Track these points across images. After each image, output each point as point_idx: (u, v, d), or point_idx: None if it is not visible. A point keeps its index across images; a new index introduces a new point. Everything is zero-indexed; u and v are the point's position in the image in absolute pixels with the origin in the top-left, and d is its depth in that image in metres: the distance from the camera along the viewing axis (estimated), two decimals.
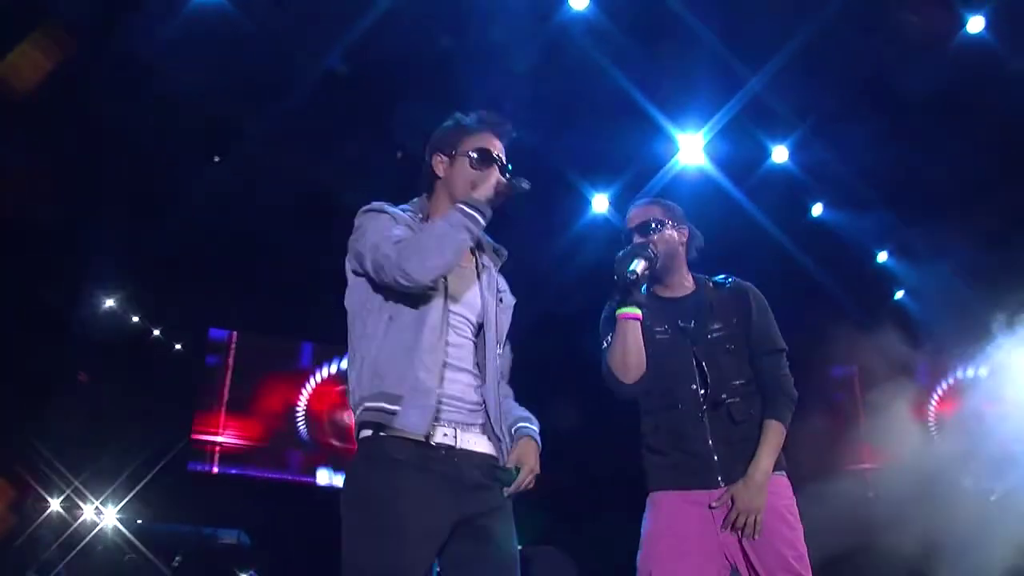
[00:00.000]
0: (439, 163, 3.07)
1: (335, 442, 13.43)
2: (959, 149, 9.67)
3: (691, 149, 10.45)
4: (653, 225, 3.53)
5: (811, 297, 11.62)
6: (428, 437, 2.72)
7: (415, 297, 2.79)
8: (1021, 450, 9.12)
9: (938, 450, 10.25)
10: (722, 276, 3.66)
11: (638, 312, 3.35)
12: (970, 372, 11.44)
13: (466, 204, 2.82)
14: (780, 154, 10.50)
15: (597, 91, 9.48)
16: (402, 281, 2.68)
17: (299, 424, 13.49)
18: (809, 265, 11.33)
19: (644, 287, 3.41)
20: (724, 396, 3.30)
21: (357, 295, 2.95)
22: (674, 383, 3.38)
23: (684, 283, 3.62)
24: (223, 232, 10.88)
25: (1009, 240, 10.14)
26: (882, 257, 11.76)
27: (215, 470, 13.02)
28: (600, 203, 11.25)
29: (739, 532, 3.11)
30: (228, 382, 13.30)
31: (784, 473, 3.32)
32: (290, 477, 13.37)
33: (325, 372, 13.81)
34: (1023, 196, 10.07)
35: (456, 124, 3.10)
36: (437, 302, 2.83)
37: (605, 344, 3.47)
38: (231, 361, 13.43)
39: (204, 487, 12.73)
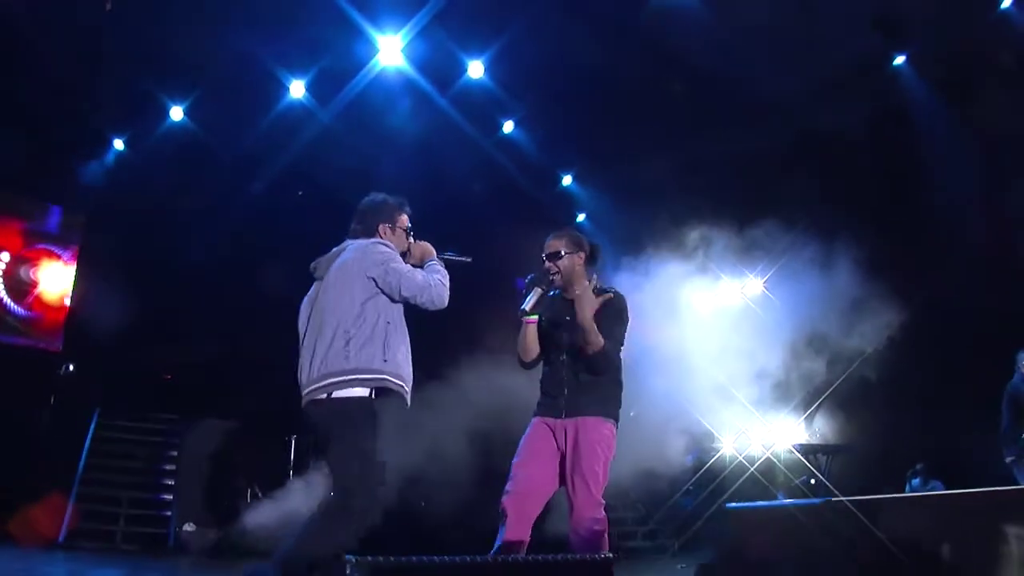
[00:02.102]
0: (385, 230, 4.58)
1: None
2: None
3: (390, 50, 10.31)
4: (562, 253, 4.72)
5: (508, 209, 12.04)
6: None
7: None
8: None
9: None
10: (604, 287, 4.77)
11: (534, 318, 4.74)
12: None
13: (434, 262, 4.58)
14: (476, 69, 10.60)
15: None
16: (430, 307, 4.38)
17: None
18: (505, 179, 11.67)
19: (554, 292, 4.80)
20: (576, 360, 4.63)
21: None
22: (553, 355, 4.77)
23: (579, 289, 4.70)
24: None
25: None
26: (566, 180, 12.25)
27: None
28: (297, 89, 10.97)
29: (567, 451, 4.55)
30: None
31: (612, 420, 4.63)
32: None
33: None
34: (703, 147, 10.88)
35: (391, 205, 4.66)
36: None
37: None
38: None
39: None
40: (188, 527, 10.46)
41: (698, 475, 11.88)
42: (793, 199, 11.29)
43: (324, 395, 4.07)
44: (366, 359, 4.10)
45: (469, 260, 4.68)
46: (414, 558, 2.96)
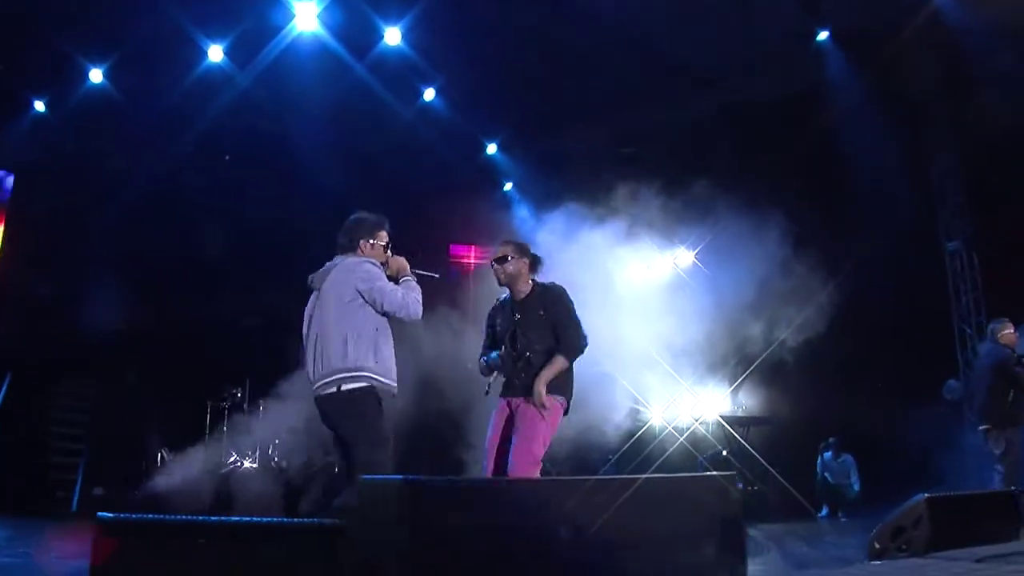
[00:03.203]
0: (366, 245, 5.15)
1: None
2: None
3: (306, 15, 10.25)
4: (508, 257, 5.51)
5: (429, 176, 12.00)
6: None
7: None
8: None
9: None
10: (544, 282, 5.60)
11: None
12: None
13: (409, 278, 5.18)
14: (393, 35, 10.53)
15: None
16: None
17: None
18: (426, 146, 11.61)
19: (505, 298, 5.66)
20: (527, 352, 5.42)
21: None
22: (507, 348, 5.47)
23: (524, 290, 5.59)
24: None
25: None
26: (491, 149, 12.18)
27: None
28: (215, 53, 10.89)
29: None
30: None
31: (560, 397, 5.35)
32: None
33: None
34: (631, 117, 10.84)
35: (371, 222, 5.22)
36: None
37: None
38: None
39: None
40: (97, 491, 10.51)
41: (627, 445, 11.96)
42: (722, 171, 11.32)
43: (334, 388, 4.77)
44: (361, 358, 4.79)
45: (438, 276, 5.36)
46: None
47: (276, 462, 10.66)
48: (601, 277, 9.53)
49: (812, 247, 10.84)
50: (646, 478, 3.77)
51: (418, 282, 5.19)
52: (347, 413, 4.81)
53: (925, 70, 11.45)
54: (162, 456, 10.61)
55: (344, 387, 4.78)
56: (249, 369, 11.28)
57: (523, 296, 5.63)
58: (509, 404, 5.45)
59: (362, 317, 4.88)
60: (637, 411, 11.44)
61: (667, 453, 11.78)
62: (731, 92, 11.79)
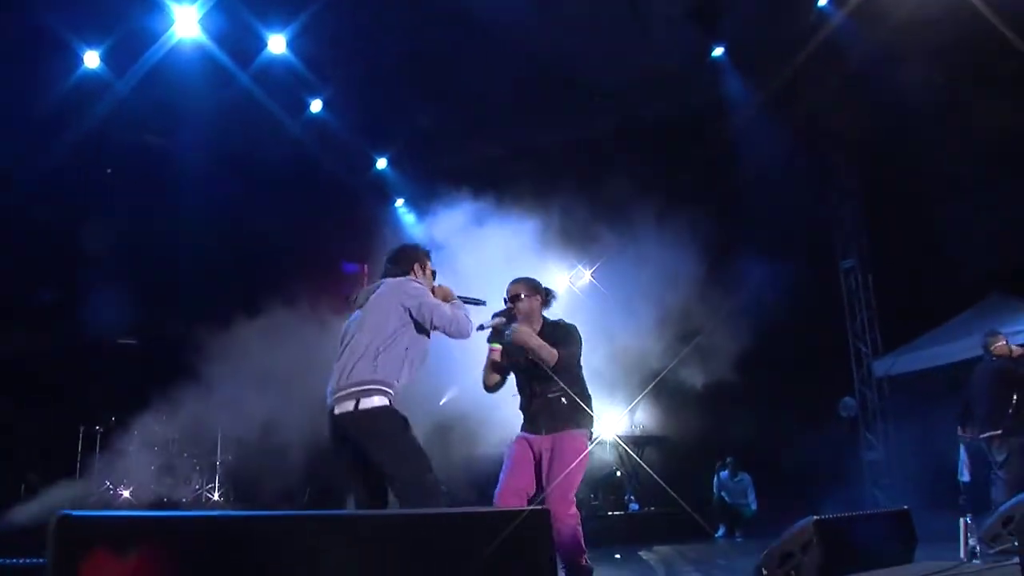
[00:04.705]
0: (419, 271, 5.10)
1: None
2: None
3: (186, 21, 9.85)
4: (522, 296, 5.46)
5: (322, 193, 11.66)
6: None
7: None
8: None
9: None
10: (553, 319, 5.54)
11: (497, 347, 5.43)
12: None
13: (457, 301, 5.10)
14: (277, 43, 10.19)
15: None
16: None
17: None
18: (314, 160, 11.27)
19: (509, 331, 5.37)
20: (543, 390, 5.32)
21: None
22: (524, 385, 5.47)
23: (535, 327, 5.42)
24: None
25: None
26: (381, 164, 11.90)
27: None
28: (91, 59, 10.40)
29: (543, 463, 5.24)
30: None
31: (585, 431, 5.29)
32: None
33: None
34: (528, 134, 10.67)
35: (421, 252, 5.20)
36: None
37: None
38: None
39: None
40: None
41: None
42: (619, 189, 11.22)
43: (352, 402, 4.54)
44: (388, 374, 4.62)
45: (484, 302, 5.33)
46: None
47: (153, 489, 10.14)
48: (493, 297, 9.36)
49: (709, 265, 10.80)
50: (412, 515, 3.27)
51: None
52: (373, 439, 4.58)
53: (821, 90, 11.54)
54: (28, 484, 9.96)
55: (363, 403, 4.55)
56: (126, 392, 10.69)
57: (537, 332, 5.59)
58: (529, 442, 5.39)
59: (401, 335, 4.76)
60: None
61: None
62: (628, 108, 11.72)
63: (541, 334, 5.43)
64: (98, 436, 10.57)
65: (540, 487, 5.26)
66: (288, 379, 9.16)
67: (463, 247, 9.87)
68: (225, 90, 10.47)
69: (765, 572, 5.31)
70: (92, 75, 10.50)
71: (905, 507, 6.15)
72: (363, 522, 2.89)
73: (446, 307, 4.88)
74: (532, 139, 11.84)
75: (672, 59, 11.25)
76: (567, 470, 5.17)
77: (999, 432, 8.42)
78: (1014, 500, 5.33)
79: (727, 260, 11.41)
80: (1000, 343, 8.77)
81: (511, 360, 5.48)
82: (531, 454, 5.33)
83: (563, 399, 5.32)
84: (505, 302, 5.56)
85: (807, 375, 12.22)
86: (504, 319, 5.42)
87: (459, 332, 4.88)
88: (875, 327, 13.77)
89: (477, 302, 5.29)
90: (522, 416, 5.54)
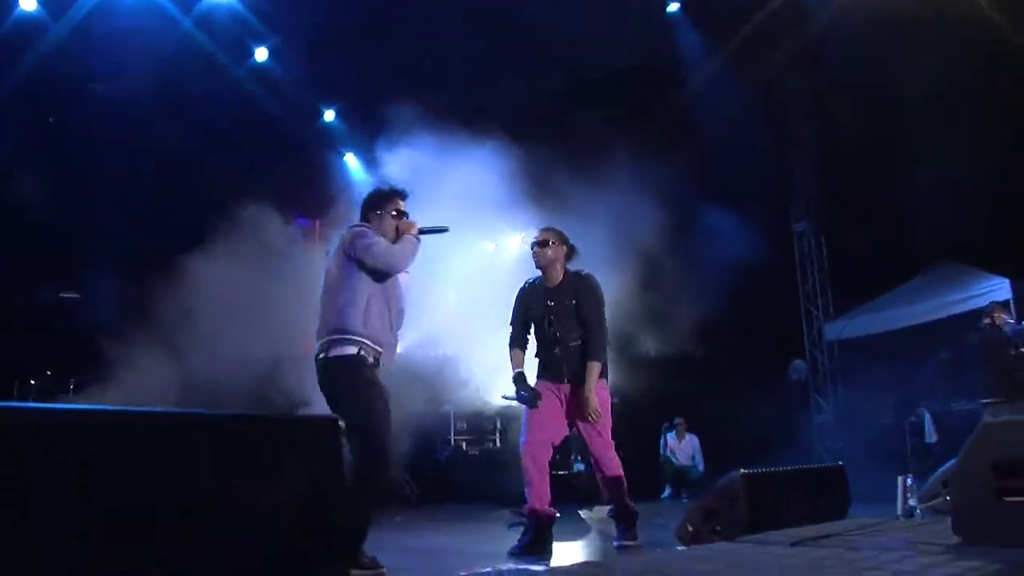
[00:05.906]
0: (373, 216, 5.00)
1: None
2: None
3: None
4: (550, 242, 5.75)
5: (265, 143, 11.37)
6: None
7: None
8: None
9: None
10: (575, 271, 5.83)
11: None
12: None
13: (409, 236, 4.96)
14: None
15: None
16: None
17: None
18: (259, 111, 10.97)
19: (537, 279, 5.89)
20: (564, 338, 5.67)
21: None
22: (541, 333, 5.79)
23: (557, 278, 5.82)
24: None
25: None
26: (329, 116, 11.61)
27: None
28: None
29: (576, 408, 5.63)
30: None
31: (605, 381, 5.71)
32: None
33: None
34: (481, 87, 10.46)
35: (384, 193, 5.08)
36: None
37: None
38: None
39: None
40: None
41: (464, 427, 11.68)
42: (574, 147, 11.05)
43: (323, 354, 4.69)
44: (349, 321, 4.68)
45: (447, 228, 5.23)
46: None
47: None
48: (445, 255, 9.23)
49: (664, 224, 10.70)
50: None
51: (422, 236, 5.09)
52: (336, 386, 4.74)
53: (780, 50, 11.42)
54: None
55: (332, 352, 4.71)
56: (55, 354, 10.36)
57: (556, 283, 5.88)
58: (552, 390, 5.70)
59: (355, 280, 4.80)
60: (477, 390, 11.14)
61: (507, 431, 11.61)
62: (583, 65, 11.51)
63: (563, 284, 5.83)
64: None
65: (567, 430, 5.77)
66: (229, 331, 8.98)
67: (410, 206, 9.71)
68: (166, 35, 10.13)
69: (690, 528, 5.12)
70: (28, 17, 10.14)
71: (840, 463, 6.09)
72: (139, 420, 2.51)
73: (380, 244, 4.85)
74: (483, 95, 11.58)
75: (627, 14, 11.04)
76: (602, 419, 5.66)
77: (1002, 400, 8.46)
78: (952, 462, 5.26)
79: (681, 221, 11.31)
80: (1001, 314, 8.91)
81: (537, 318, 5.84)
82: (558, 403, 5.67)
83: (579, 348, 5.67)
84: (532, 246, 5.90)
85: (758, 337, 12.19)
86: (536, 393, 5.71)
87: (390, 266, 4.84)
88: (827, 291, 13.78)
89: (439, 230, 5.23)
90: (540, 364, 5.84)
